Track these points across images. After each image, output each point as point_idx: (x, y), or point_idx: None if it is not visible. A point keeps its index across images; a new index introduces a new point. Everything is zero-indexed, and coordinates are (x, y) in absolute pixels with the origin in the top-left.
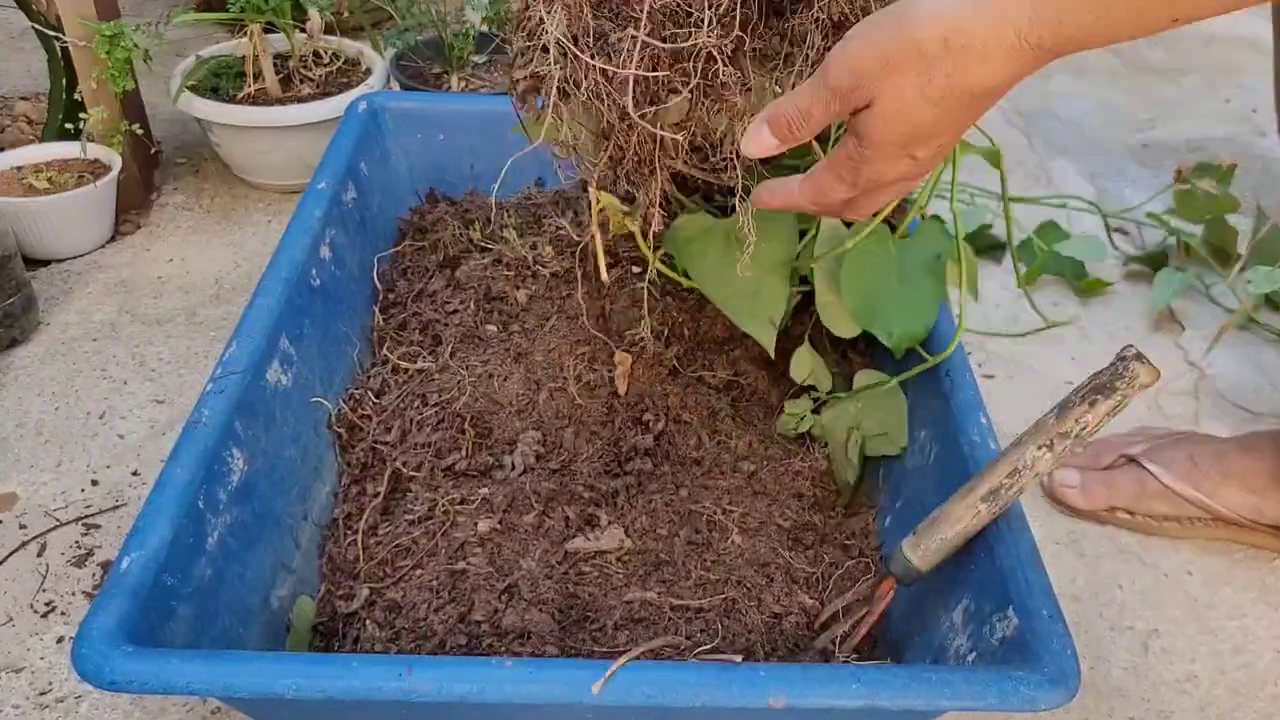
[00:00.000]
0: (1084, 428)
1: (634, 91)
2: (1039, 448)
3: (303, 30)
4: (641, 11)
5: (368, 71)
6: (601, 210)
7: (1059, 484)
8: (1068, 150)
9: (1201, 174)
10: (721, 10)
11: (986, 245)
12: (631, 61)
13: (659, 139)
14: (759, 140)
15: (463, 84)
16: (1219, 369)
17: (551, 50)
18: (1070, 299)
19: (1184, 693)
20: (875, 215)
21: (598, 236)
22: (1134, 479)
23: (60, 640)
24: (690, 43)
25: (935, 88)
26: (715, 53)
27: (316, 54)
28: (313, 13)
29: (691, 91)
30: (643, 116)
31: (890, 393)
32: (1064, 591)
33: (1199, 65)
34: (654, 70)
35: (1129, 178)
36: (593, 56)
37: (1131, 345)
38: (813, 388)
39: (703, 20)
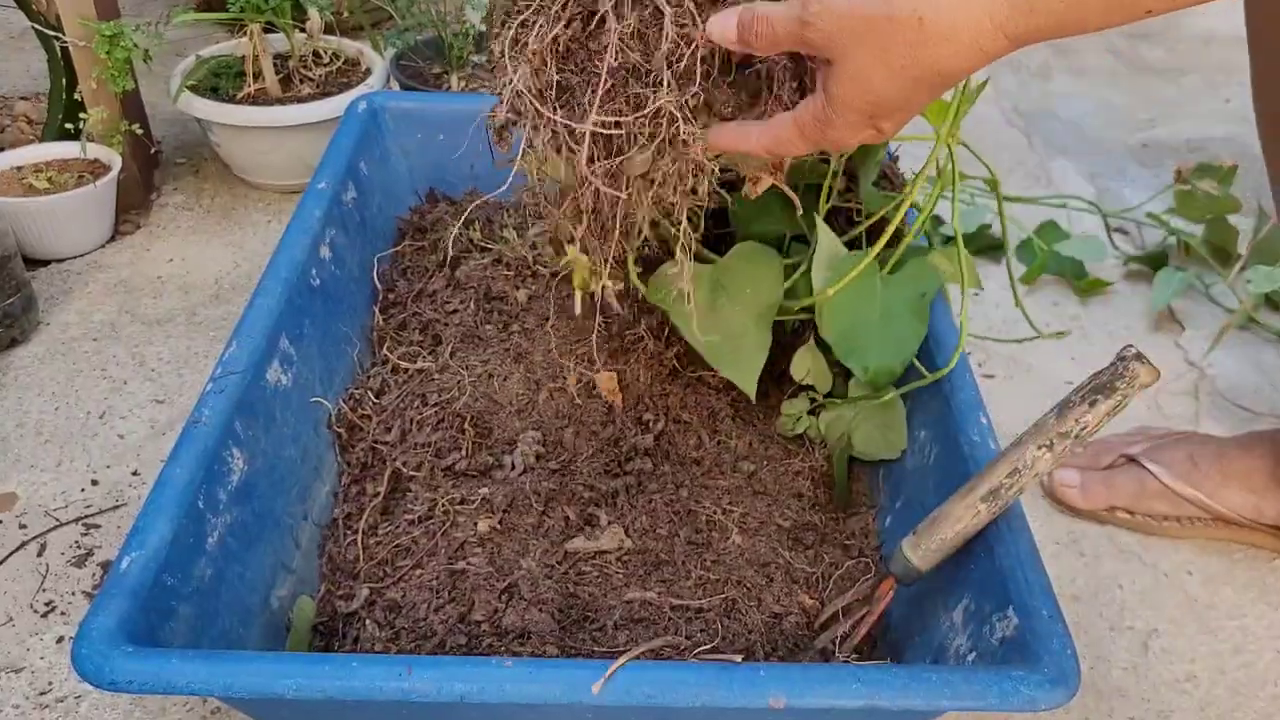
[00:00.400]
0: (1084, 428)
1: (590, 146)
2: (1039, 448)
3: (303, 30)
4: (603, 67)
5: (368, 71)
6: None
7: (1059, 484)
8: (1068, 150)
9: (1202, 175)
10: (681, 69)
11: (986, 245)
12: (588, 116)
13: (621, 194)
14: (723, 26)
15: (463, 84)
16: (1219, 369)
17: (514, 103)
18: (1070, 299)
19: (1184, 693)
20: (868, 252)
21: (577, 284)
22: (1134, 479)
23: (60, 640)
24: (651, 105)
25: (895, 56)
26: (675, 111)
27: (316, 54)
28: (313, 13)
29: (655, 145)
30: (605, 169)
31: (888, 398)
32: (1064, 591)
33: (1199, 65)
34: (616, 127)
35: (1129, 178)
36: (555, 110)
37: (1131, 345)
38: (812, 387)
39: (661, 79)
